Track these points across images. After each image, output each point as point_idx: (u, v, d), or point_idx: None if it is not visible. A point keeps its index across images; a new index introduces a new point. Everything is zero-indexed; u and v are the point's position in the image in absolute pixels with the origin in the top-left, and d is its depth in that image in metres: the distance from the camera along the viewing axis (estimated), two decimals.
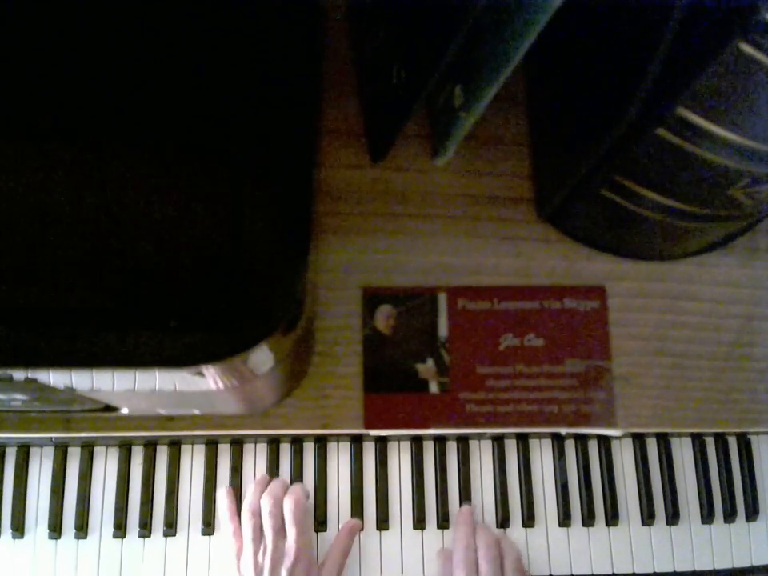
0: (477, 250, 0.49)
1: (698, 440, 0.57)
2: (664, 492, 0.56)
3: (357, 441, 0.55)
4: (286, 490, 0.51)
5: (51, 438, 0.52)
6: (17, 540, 0.53)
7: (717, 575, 0.55)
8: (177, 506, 0.53)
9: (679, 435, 0.57)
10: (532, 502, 0.55)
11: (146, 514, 0.53)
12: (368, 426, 0.47)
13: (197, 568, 0.53)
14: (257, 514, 0.49)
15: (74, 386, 0.31)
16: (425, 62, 0.36)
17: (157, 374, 0.29)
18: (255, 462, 0.55)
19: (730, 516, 0.55)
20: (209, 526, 0.53)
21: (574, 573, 0.54)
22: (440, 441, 0.55)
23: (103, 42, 0.28)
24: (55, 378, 0.29)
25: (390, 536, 0.54)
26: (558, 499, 0.55)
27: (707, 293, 0.50)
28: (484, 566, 0.49)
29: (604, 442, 0.56)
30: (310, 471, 0.54)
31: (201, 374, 0.29)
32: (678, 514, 0.55)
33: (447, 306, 0.48)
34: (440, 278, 0.48)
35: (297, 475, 0.54)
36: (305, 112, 0.29)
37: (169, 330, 0.24)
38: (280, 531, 0.49)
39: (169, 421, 0.46)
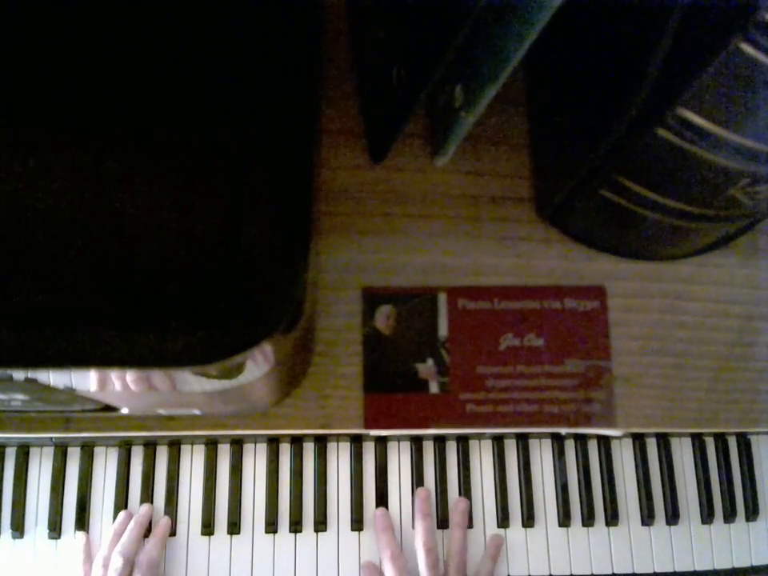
0: (477, 250, 0.49)
1: (697, 440, 0.57)
2: (664, 492, 0.56)
3: (357, 441, 0.55)
4: (140, 541, 0.51)
5: (51, 438, 0.52)
6: (17, 540, 0.53)
7: (717, 575, 0.55)
8: (177, 506, 0.53)
9: (679, 435, 0.57)
10: (532, 502, 0.55)
11: None
12: (368, 426, 0.47)
13: (196, 568, 0.53)
14: (107, 567, 0.49)
15: (73, 386, 0.31)
16: (425, 62, 0.36)
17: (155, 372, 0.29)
18: (255, 461, 0.55)
19: (730, 516, 0.56)
20: (208, 527, 0.53)
21: (573, 573, 0.54)
22: (440, 441, 0.55)
23: (102, 41, 0.28)
24: (55, 378, 0.29)
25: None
26: (557, 499, 0.55)
27: (707, 293, 0.50)
28: (423, 573, 0.49)
29: (604, 442, 0.56)
30: (310, 471, 0.54)
31: (202, 374, 0.29)
32: (678, 514, 0.55)
33: (447, 306, 0.48)
34: (440, 277, 0.48)
35: (297, 475, 0.54)
36: (305, 112, 0.29)
37: (169, 330, 0.24)
38: None
39: (169, 421, 0.46)
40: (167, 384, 0.31)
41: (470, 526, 0.54)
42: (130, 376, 0.30)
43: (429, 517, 0.52)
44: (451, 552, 0.52)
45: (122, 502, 0.53)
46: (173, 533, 0.53)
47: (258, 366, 0.32)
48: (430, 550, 0.50)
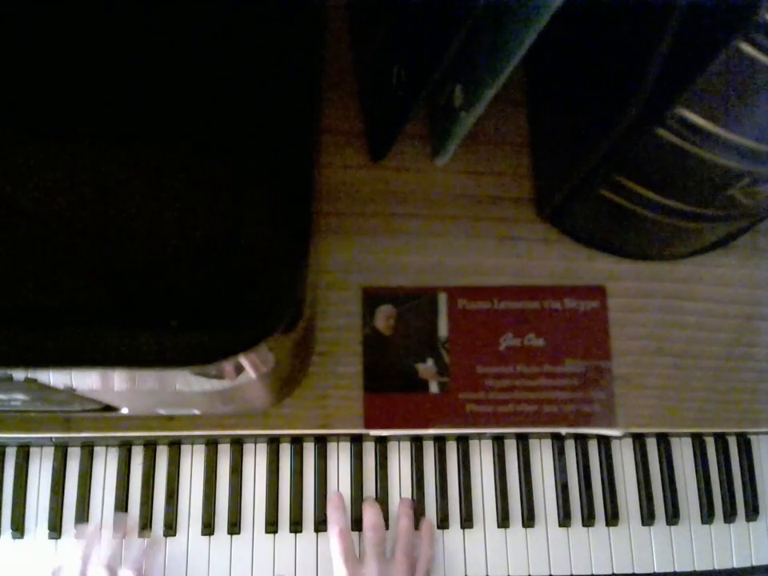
0: (477, 250, 0.49)
1: (697, 440, 0.57)
2: (664, 492, 0.56)
3: (357, 441, 0.55)
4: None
5: (51, 437, 0.52)
6: (17, 540, 0.53)
7: (717, 575, 0.55)
8: (177, 506, 0.53)
9: (679, 435, 0.57)
10: (532, 502, 0.55)
11: (145, 514, 0.53)
12: (368, 426, 0.47)
13: (196, 568, 0.53)
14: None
15: (73, 386, 0.31)
16: (425, 61, 0.36)
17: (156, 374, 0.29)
18: (255, 461, 0.55)
19: (730, 516, 0.56)
20: (208, 527, 0.53)
21: (573, 573, 0.54)
22: (440, 441, 0.55)
23: (102, 41, 0.28)
24: (55, 377, 0.29)
25: (390, 536, 0.54)
26: (557, 499, 0.55)
27: (707, 293, 0.50)
28: (368, 550, 0.50)
29: (604, 442, 0.56)
30: (310, 471, 0.54)
31: (203, 374, 0.29)
32: (678, 514, 0.55)
33: (447, 306, 0.48)
34: (440, 278, 0.48)
35: (297, 475, 0.54)
36: (305, 111, 0.29)
37: (169, 330, 0.24)
38: None
39: (169, 421, 0.46)
40: (166, 383, 0.31)
41: (470, 526, 0.54)
42: (129, 375, 0.30)
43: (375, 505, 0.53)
44: (398, 535, 0.52)
45: (122, 502, 0.53)
46: (172, 534, 0.53)
47: (257, 366, 0.32)
48: (375, 528, 0.52)
